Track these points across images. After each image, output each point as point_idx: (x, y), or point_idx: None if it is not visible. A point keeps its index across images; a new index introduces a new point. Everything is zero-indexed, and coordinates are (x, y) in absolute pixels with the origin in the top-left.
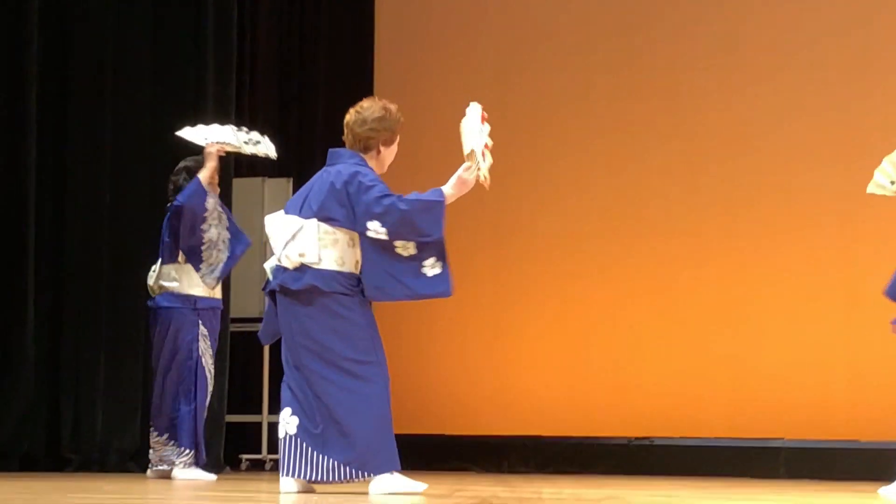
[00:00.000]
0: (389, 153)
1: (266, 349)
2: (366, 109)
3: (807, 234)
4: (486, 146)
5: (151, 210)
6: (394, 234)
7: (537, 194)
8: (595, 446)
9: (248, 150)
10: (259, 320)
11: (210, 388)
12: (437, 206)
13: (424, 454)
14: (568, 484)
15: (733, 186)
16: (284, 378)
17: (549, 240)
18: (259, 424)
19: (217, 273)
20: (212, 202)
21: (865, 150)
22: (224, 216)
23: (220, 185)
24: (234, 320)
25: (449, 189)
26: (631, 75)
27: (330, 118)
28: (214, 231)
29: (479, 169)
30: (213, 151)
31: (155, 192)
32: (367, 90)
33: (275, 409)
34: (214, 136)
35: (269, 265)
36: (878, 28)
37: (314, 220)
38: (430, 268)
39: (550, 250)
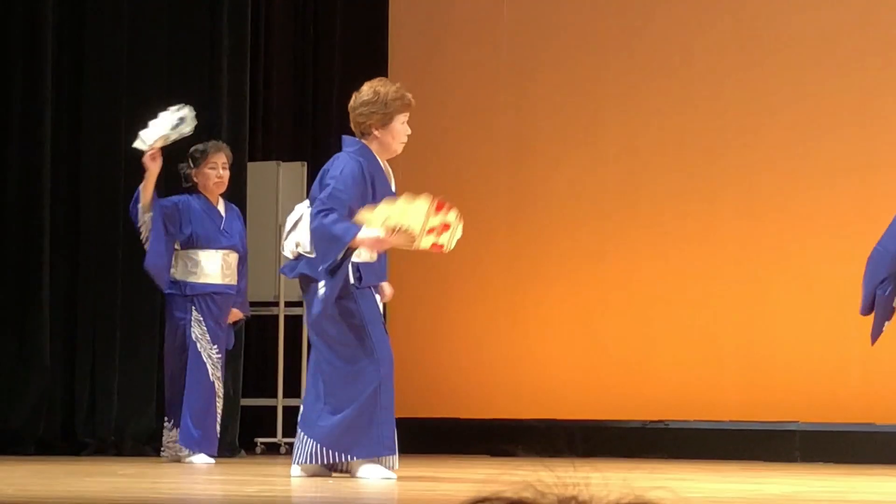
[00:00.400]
0: (389, 135)
1: (281, 333)
2: (359, 94)
3: (820, 218)
4: (444, 225)
5: (166, 196)
6: None
7: (551, 178)
8: (610, 430)
9: (175, 136)
10: (273, 304)
11: (212, 373)
12: (336, 242)
13: (435, 438)
14: (600, 468)
15: (748, 172)
16: None
17: (563, 224)
18: (274, 408)
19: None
20: (140, 212)
21: (878, 135)
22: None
23: (232, 168)
24: (249, 304)
25: (363, 235)
26: (645, 55)
27: (345, 102)
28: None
29: (413, 242)
30: (145, 159)
31: (168, 180)
32: (381, 73)
33: (290, 392)
34: (149, 138)
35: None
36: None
37: (310, 210)
38: (320, 289)
39: (564, 235)
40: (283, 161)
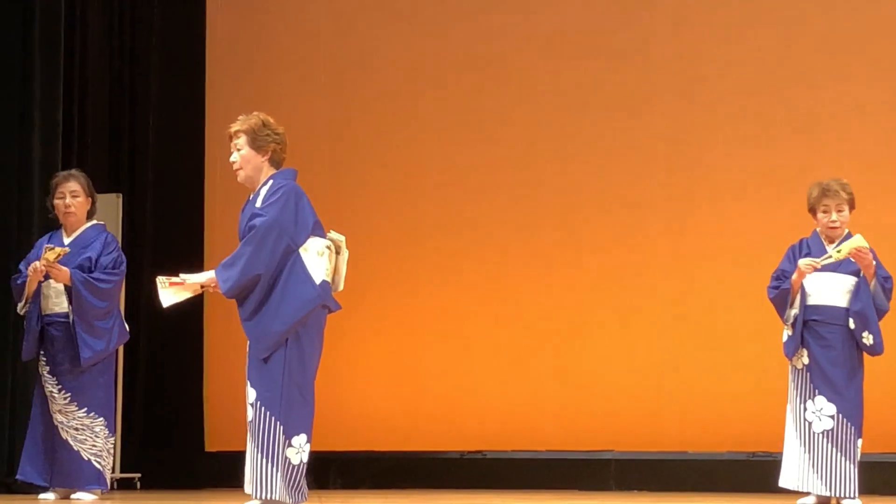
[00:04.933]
0: None
1: (121, 359)
2: None
3: (635, 250)
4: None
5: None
6: None
7: (366, 205)
8: (427, 460)
9: None
10: None
11: (53, 408)
12: None
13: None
14: (398, 499)
15: (561, 202)
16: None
17: (381, 250)
18: None
19: None
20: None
21: (696, 161)
22: None
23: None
24: None
25: None
26: (462, 75)
27: (161, 132)
28: None
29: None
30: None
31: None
32: (199, 103)
33: (127, 425)
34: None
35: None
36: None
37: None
38: None
39: (381, 261)
40: (99, 192)
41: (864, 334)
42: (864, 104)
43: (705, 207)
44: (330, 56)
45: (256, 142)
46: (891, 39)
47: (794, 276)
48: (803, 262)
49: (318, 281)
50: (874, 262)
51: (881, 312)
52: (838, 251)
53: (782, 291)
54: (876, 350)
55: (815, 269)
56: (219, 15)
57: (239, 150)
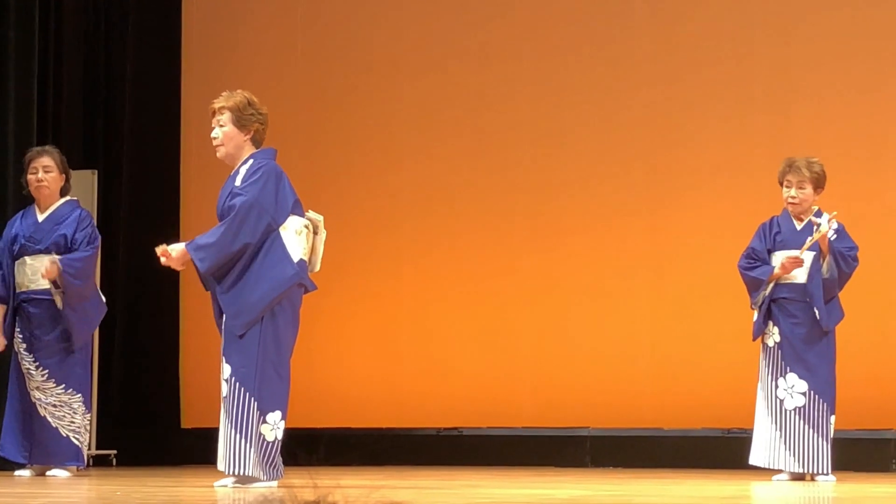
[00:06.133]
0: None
1: (97, 336)
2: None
3: (612, 225)
4: None
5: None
6: None
7: (345, 184)
8: (404, 437)
9: None
10: None
11: (30, 385)
12: None
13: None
14: (391, 475)
15: (539, 178)
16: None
17: (359, 230)
18: None
19: None
20: None
21: (673, 143)
22: None
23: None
24: None
25: None
26: (442, 49)
27: (137, 109)
28: None
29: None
30: None
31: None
32: (175, 80)
33: (102, 401)
34: None
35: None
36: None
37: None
38: None
39: (360, 241)
40: (74, 169)
41: (815, 309)
42: (840, 89)
43: (682, 188)
44: (307, 33)
45: (240, 120)
46: (866, 24)
47: (777, 271)
48: (788, 261)
49: (295, 259)
50: (832, 234)
51: (831, 281)
52: (817, 230)
53: (755, 281)
54: (822, 323)
55: (800, 262)
56: None
57: (221, 126)
